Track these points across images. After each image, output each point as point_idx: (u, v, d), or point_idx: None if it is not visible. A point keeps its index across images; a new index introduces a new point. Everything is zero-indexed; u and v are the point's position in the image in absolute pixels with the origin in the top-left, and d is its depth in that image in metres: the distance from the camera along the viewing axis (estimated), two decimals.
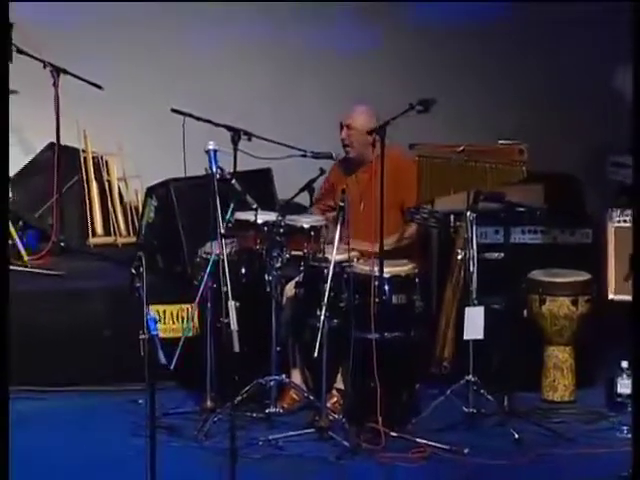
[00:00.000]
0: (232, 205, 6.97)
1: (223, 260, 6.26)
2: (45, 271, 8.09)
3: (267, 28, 9.35)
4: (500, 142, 7.14)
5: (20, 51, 8.21)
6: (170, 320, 7.64)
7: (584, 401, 7.52)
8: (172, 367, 6.94)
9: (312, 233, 7.14)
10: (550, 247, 7.81)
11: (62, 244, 8.45)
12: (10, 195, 8.39)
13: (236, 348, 6.11)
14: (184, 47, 9.17)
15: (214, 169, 6.40)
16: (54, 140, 8.49)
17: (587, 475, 6.10)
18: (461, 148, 7.07)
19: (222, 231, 6.29)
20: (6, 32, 6.10)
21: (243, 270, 7.25)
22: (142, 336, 5.24)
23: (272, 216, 7.15)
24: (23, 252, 8.24)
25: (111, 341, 7.57)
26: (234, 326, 6.09)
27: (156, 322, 5.27)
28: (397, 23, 9.49)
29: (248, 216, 7.10)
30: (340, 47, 9.49)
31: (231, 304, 6.14)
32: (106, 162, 8.82)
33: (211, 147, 6.45)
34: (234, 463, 5.49)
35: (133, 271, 5.30)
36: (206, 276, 6.94)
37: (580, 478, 5.97)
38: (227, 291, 6.25)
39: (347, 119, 7.47)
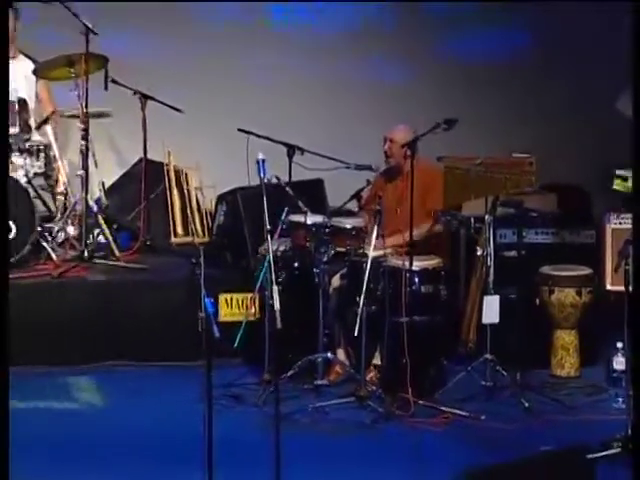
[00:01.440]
0: (286, 209, 6.98)
1: (271, 253, 6.28)
2: (133, 265, 8.05)
3: (321, 60, 9.31)
4: (513, 155, 7.15)
5: (114, 81, 8.12)
6: (236, 306, 7.57)
7: (586, 376, 7.42)
8: (236, 345, 7.00)
9: (353, 232, 7.11)
10: (559, 246, 7.69)
11: (148, 243, 8.38)
12: (106, 202, 8.40)
13: (279, 325, 6.03)
14: (249, 75, 9.13)
15: (262, 175, 6.32)
16: (143, 156, 8.40)
17: (588, 438, 5.90)
18: (480, 160, 7.01)
19: (268, 227, 6.21)
20: (6, 32, 5.91)
21: (296, 264, 7.22)
22: (200, 315, 5.17)
23: (320, 218, 7.11)
24: (116, 250, 8.18)
25: (187, 323, 7.45)
26: (277, 306, 6.00)
27: (212, 303, 5.19)
28: (430, 55, 9.42)
29: (300, 218, 7.08)
30: (382, 76, 9.40)
31: (275, 288, 6.07)
32: (186, 174, 8.78)
33: (260, 157, 6.38)
34: (279, 424, 5.31)
35: (194, 260, 5.32)
36: (265, 269, 6.83)
37: (582, 440, 5.80)
38: (272, 278, 6.20)
39: (389, 134, 7.44)
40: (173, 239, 8.68)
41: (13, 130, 7.92)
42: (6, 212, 6.13)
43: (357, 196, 7.36)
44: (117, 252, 8.16)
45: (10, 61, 8.20)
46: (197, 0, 9.09)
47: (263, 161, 6.32)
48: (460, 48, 9.43)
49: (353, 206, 7.45)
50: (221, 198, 8.32)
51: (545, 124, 9.25)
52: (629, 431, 5.75)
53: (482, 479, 4.98)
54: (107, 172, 8.58)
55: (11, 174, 7.75)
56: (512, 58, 9.43)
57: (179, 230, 8.69)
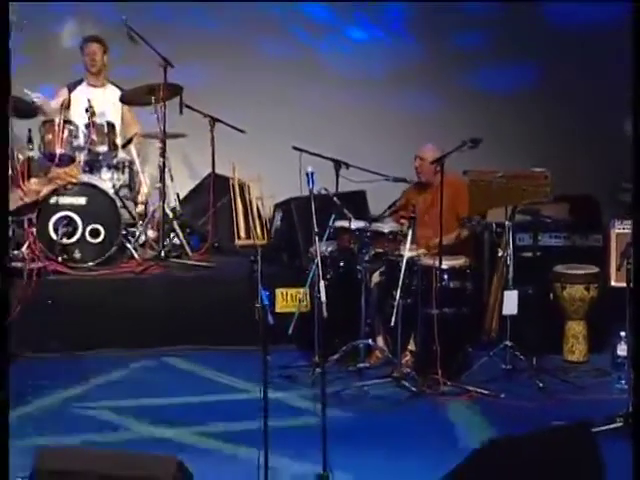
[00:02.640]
0: (333, 216, 6.97)
1: (319, 254, 6.23)
2: (203, 264, 8.04)
3: (363, 89, 9.29)
4: (531, 170, 7.05)
5: (188, 106, 8.13)
6: (290, 299, 7.53)
7: (593, 361, 7.34)
8: (290, 332, 6.97)
9: (390, 236, 7.07)
10: (569, 248, 7.62)
11: (216, 245, 8.38)
12: (180, 209, 8.42)
13: (324, 314, 5.99)
14: (301, 102, 9.13)
15: (311, 186, 6.27)
16: (211, 170, 8.42)
17: (594, 414, 5.85)
18: (501, 174, 6.94)
19: (316, 229, 6.16)
20: (6, 32, 5.62)
21: (341, 263, 7.19)
22: (257, 305, 5.17)
23: (362, 224, 7.09)
24: (188, 250, 8.21)
25: (248, 313, 7.42)
26: (324, 299, 5.97)
27: (267, 295, 5.18)
28: (456, 86, 9.40)
29: (345, 224, 7.05)
30: (415, 103, 9.37)
31: (322, 284, 6.03)
32: (248, 186, 8.74)
33: (309, 170, 6.34)
34: (325, 400, 5.26)
35: (252, 258, 5.33)
36: (314, 267, 6.79)
37: (589, 416, 5.71)
38: (320, 275, 6.15)
39: (419, 152, 7.40)
40: (237, 241, 8.62)
41: (102, 149, 7.97)
42: (6, 213, 5.93)
43: (394, 205, 7.39)
44: (189, 252, 8.18)
45: (100, 89, 8.31)
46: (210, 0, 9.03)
47: (312, 174, 6.28)
48: (481, 80, 9.37)
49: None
50: (278, 206, 8.33)
51: (558, 143, 9.16)
52: (630, 408, 5.75)
53: (502, 448, 4.92)
54: (181, 184, 8.59)
55: (100, 186, 7.79)
56: (526, 87, 9.36)
57: (242, 234, 8.64)
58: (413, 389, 6.67)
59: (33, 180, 7.31)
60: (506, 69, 9.36)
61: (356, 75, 9.27)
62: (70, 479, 4.70)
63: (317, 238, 6.12)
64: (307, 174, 6.28)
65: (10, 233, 7.53)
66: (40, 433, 5.96)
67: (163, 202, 8.07)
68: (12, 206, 6.20)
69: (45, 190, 7.44)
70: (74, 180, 7.49)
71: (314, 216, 6.16)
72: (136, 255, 7.96)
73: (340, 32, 9.42)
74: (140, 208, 8.25)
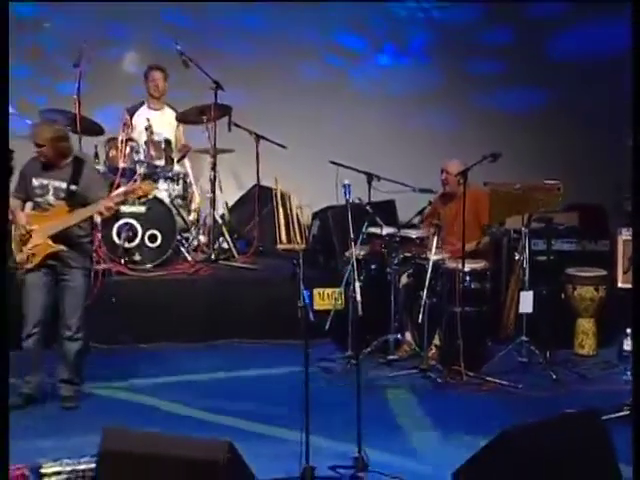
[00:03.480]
0: (366, 223, 6.95)
1: (355, 257, 6.18)
2: (248, 265, 8.04)
3: (390, 109, 9.27)
4: (545, 181, 6.99)
5: (235, 125, 8.13)
6: (326, 298, 7.46)
7: (601, 355, 7.28)
8: (326, 328, 6.94)
9: (418, 241, 7.06)
10: (580, 253, 7.58)
11: (260, 248, 8.34)
12: (228, 217, 8.41)
13: (360, 313, 5.95)
14: (336, 120, 9.10)
15: (347, 197, 6.20)
16: (256, 182, 8.42)
17: (603, 403, 5.75)
18: (518, 185, 6.91)
19: (352, 236, 6.17)
20: (6, 32, 5.49)
21: (373, 266, 7.14)
22: (300, 304, 5.15)
23: (392, 230, 7.07)
24: (235, 253, 8.19)
25: (289, 310, 7.39)
26: (359, 298, 5.91)
27: (309, 295, 5.18)
28: (474, 107, 9.36)
29: (376, 230, 7.03)
30: (437, 122, 9.35)
31: (357, 284, 5.96)
32: (289, 196, 8.78)
33: (346, 182, 6.27)
34: (360, 389, 5.31)
35: (295, 262, 5.32)
36: (349, 269, 6.72)
37: (598, 405, 5.63)
38: (355, 276, 6.07)
39: (444, 166, 7.37)
40: (279, 245, 8.63)
41: (160, 163, 7.97)
42: (6, 214, 5.82)
43: (420, 214, 7.33)
44: (236, 255, 8.18)
45: (158, 111, 8.31)
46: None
47: (349, 186, 6.22)
48: (496, 101, 9.32)
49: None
50: (315, 215, 8.34)
51: (566, 157, 9.05)
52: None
53: (522, 434, 4.87)
54: (229, 194, 8.61)
55: (158, 196, 7.80)
56: (535, 108, 9.30)
57: (283, 239, 8.67)
58: (438, 380, 6.64)
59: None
60: (517, 92, 9.29)
61: (383, 96, 9.24)
62: (132, 459, 4.69)
63: (352, 243, 6.09)
64: (344, 186, 6.22)
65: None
66: (107, 415, 5.96)
67: (213, 210, 8.09)
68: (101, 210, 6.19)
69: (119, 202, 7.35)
70: (149, 195, 7.30)
71: (350, 223, 6.12)
72: (189, 258, 7.96)
73: (370, 59, 9.40)
74: (193, 216, 8.25)
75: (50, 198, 6.05)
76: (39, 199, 6.07)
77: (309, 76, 9.18)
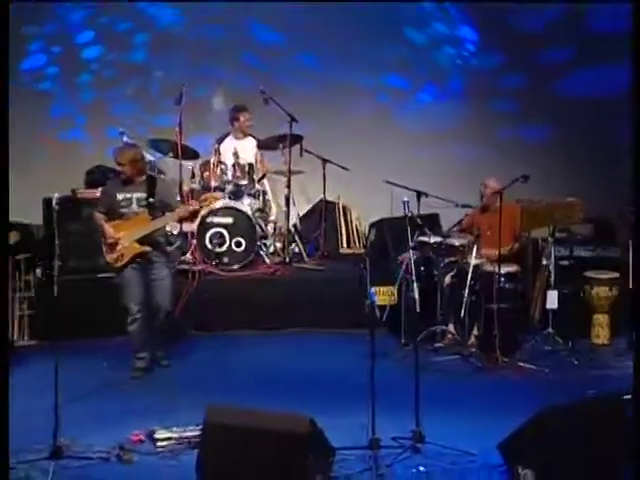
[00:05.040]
0: (417, 232, 6.79)
1: (409, 262, 6.11)
2: (316, 267, 7.92)
3: (431, 140, 9.06)
4: (567, 199, 6.80)
5: (306, 150, 8.02)
6: (383, 295, 7.24)
7: (614, 344, 7.04)
8: (383, 320, 6.81)
9: (460, 248, 6.89)
10: (596, 258, 7.33)
11: (326, 253, 8.23)
12: (300, 226, 8.31)
13: (417, 309, 5.82)
14: (389, 147, 8.87)
15: (406, 210, 6.10)
16: (323, 197, 8.32)
17: (616, 385, 5.63)
18: (545, 202, 6.78)
19: (411, 245, 6.10)
20: (6, 33, 5.32)
21: (422, 268, 6.95)
22: (367, 302, 5.05)
23: (439, 238, 6.93)
24: (305, 257, 8.07)
25: (350, 304, 7.26)
26: (416, 297, 5.85)
27: (374, 294, 5.06)
28: (495, 138, 9.10)
29: (425, 238, 6.89)
30: (464, 150, 9.08)
31: (415, 285, 5.82)
32: (349, 209, 8.65)
33: (405, 199, 6.15)
34: (418, 372, 5.27)
35: (362, 266, 5.21)
36: (402, 270, 6.75)
37: (612, 386, 5.48)
38: (414, 278, 5.99)
39: (485, 182, 7.16)
40: (341, 250, 8.50)
41: (244, 182, 7.88)
42: (6, 215, 5.52)
43: (459, 224, 7.17)
44: (306, 258, 8.05)
45: (242, 140, 8.22)
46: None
47: (407, 202, 6.12)
48: (516, 134, 9.04)
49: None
50: (372, 225, 8.18)
51: (576, 178, 8.74)
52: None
53: (555, 414, 4.71)
54: (300, 208, 8.47)
55: (242, 209, 7.72)
56: (547, 139, 9.02)
57: (345, 244, 8.53)
58: (477, 364, 6.49)
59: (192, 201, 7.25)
60: (532, 126, 9.04)
61: (425, 129, 9.03)
62: (230, 431, 4.64)
63: (410, 250, 5.98)
64: (403, 202, 6.09)
65: (178, 244, 7.56)
66: (204, 391, 5.88)
67: (287, 221, 7.99)
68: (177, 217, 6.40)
69: (202, 210, 7.29)
70: (220, 202, 7.48)
71: (409, 233, 6.01)
72: (267, 260, 7.86)
73: (412, 96, 9.20)
74: (270, 225, 8.15)
75: (134, 208, 6.17)
76: (125, 210, 6.18)
77: (363, 110, 8.99)
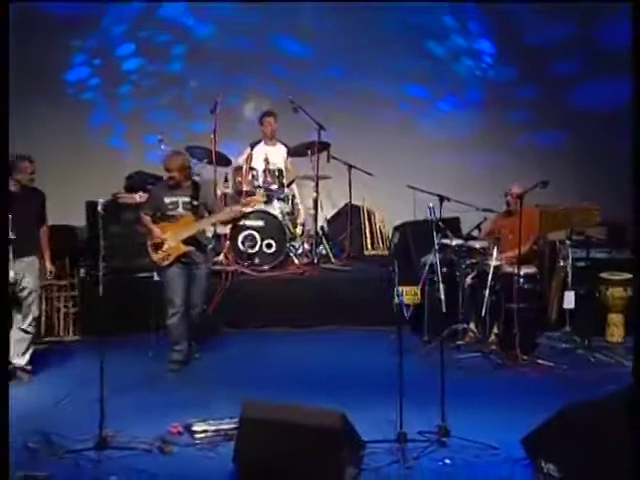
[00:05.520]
0: (440, 235, 6.64)
1: (433, 263, 6.09)
2: (342, 267, 7.84)
3: (452, 149, 8.91)
4: (584, 203, 6.73)
5: (333, 157, 7.95)
6: (407, 294, 7.09)
7: (628, 342, 6.89)
8: (407, 317, 6.72)
9: (481, 250, 6.82)
10: (611, 260, 7.20)
11: (351, 254, 8.16)
12: (327, 228, 8.24)
13: (444, 309, 5.77)
14: (411, 155, 8.76)
15: (431, 216, 5.98)
16: (348, 201, 8.24)
17: (630, 380, 5.39)
18: (563, 206, 6.74)
19: (437, 247, 6.03)
20: (6, 33, 5.20)
21: (444, 269, 6.79)
22: (395, 301, 4.99)
23: (460, 241, 6.86)
24: (332, 258, 7.98)
25: (375, 303, 7.18)
26: (442, 297, 5.74)
27: (402, 293, 4.98)
28: (513, 146, 8.95)
29: (447, 241, 6.81)
30: (483, 158, 8.95)
31: (441, 286, 5.78)
32: (374, 213, 8.57)
33: (430, 205, 6.02)
34: (443, 367, 5.18)
35: (391, 268, 5.13)
36: (425, 272, 6.65)
37: (627, 382, 5.35)
38: (439, 278, 5.89)
39: (510, 188, 6.97)
40: (365, 252, 8.42)
41: (274, 187, 7.84)
42: (6, 215, 5.46)
43: (478, 227, 7.05)
44: (333, 259, 7.97)
45: (273, 147, 8.17)
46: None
47: (433, 208, 6.02)
48: (528, 141, 8.87)
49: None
50: (395, 229, 8.06)
51: (587, 184, 8.55)
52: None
53: (578, 410, 4.61)
54: (327, 211, 8.41)
55: (272, 213, 7.67)
56: (560, 147, 8.88)
57: (369, 246, 8.45)
58: (498, 361, 6.38)
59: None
60: (545, 134, 8.91)
61: (444, 137, 8.92)
62: (265, 426, 4.59)
63: (437, 253, 5.92)
64: (429, 207, 6.00)
65: (212, 245, 7.50)
66: (237, 385, 5.84)
67: (315, 223, 7.92)
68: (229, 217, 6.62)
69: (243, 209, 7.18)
70: (262, 205, 7.43)
71: (434, 236, 5.91)
72: (296, 261, 7.80)
73: (433, 105, 9.10)
74: (299, 228, 8.09)
75: (180, 210, 6.22)
76: (171, 212, 6.23)
77: (387, 119, 8.88)
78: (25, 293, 5.94)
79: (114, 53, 8.78)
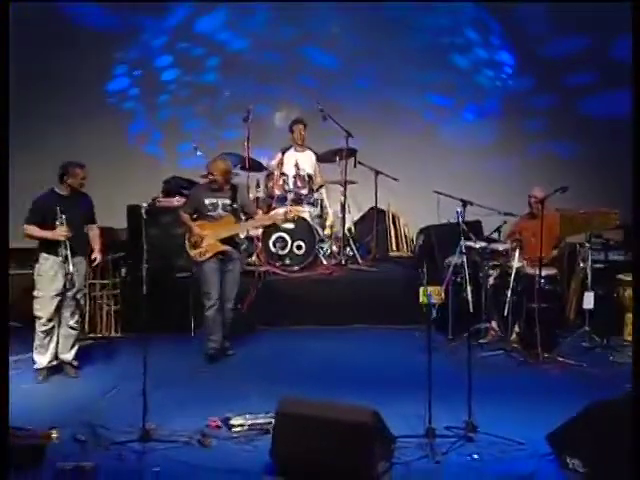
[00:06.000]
0: (463, 237, 6.43)
1: (457, 264, 5.99)
2: (369, 268, 7.74)
3: (477, 155, 8.77)
4: (603, 209, 6.56)
5: (360, 162, 7.88)
6: (433, 294, 6.98)
7: None
8: (433, 317, 6.58)
9: (504, 252, 6.70)
10: (628, 261, 6.99)
11: (377, 255, 8.08)
12: (354, 231, 8.15)
13: (471, 309, 5.66)
14: (437, 160, 8.65)
15: (459, 219, 5.85)
16: (374, 205, 8.12)
17: None
18: (583, 211, 6.51)
19: (463, 250, 5.91)
20: (6, 33, 5.05)
21: (468, 271, 6.62)
22: (424, 301, 5.03)
23: (483, 244, 6.76)
24: (359, 259, 7.89)
25: (400, 302, 7.08)
26: (469, 298, 5.59)
27: (430, 294, 4.87)
28: (529, 152, 8.81)
29: (471, 243, 6.66)
30: (502, 165, 8.82)
31: (469, 288, 5.66)
32: (399, 217, 8.48)
33: (459, 210, 5.92)
34: (470, 364, 5.05)
35: (421, 271, 5.04)
36: (449, 273, 6.53)
37: None
38: (467, 279, 5.78)
39: (532, 192, 6.85)
40: (390, 253, 8.33)
41: (304, 191, 7.79)
42: (6, 215, 5.14)
43: (498, 230, 6.93)
44: (360, 260, 7.88)
45: (302, 153, 8.10)
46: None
47: (460, 212, 5.92)
48: (546, 149, 8.72)
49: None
50: (420, 232, 7.98)
51: (611, 188, 8.33)
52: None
53: (603, 407, 4.49)
54: (354, 214, 8.32)
55: (302, 216, 7.57)
56: (573, 155, 8.73)
57: (394, 248, 8.37)
58: (520, 359, 6.27)
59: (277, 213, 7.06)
60: (562, 142, 8.75)
61: (466, 145, 8.79)
62: (301, 421, 4.52)
63: (463, 255, 5.78)
64: (457, 212, 5.89)
65: (245, 246, 7.45)
66: (271, 381, 5.76)
67: (343, 226, 7.84)
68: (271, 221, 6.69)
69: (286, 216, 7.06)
70: (300, 215, 7.32)
71: (462, 239, 5.80)
72: (325, 262, 7.74)
73: (456, 114, 8.98)
74: (327, 230, 8.01)
75: (220, 212, 6.25)
76: (211, 213, 6.26)
77: (411, 127, 8.79)
78: (74, 291, 5.92)
79: (153, 64, 8.79)
